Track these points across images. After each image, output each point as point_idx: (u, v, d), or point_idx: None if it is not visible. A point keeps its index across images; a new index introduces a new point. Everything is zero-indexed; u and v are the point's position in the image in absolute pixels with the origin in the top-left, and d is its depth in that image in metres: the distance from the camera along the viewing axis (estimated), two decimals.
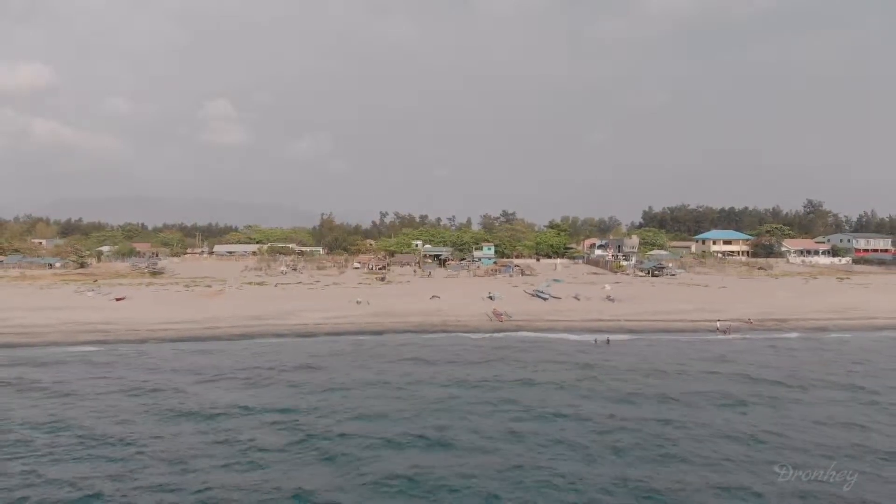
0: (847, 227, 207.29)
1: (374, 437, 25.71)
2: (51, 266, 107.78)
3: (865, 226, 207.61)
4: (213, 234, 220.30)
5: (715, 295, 70.14)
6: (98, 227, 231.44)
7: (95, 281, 75.08)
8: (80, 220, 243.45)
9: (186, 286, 74.79)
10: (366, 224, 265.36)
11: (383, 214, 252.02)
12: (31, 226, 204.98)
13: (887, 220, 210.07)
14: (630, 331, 49.77)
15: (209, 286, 75.15)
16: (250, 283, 78.03)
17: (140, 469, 22.59)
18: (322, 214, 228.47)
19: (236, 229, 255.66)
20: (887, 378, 36.00)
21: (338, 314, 54.74)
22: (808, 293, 72.65)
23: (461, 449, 24.61)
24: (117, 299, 61.44)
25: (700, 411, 29.49)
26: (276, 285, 76.64)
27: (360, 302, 60.21)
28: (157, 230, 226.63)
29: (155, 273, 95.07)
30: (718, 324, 51.18)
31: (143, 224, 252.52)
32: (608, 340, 45.25)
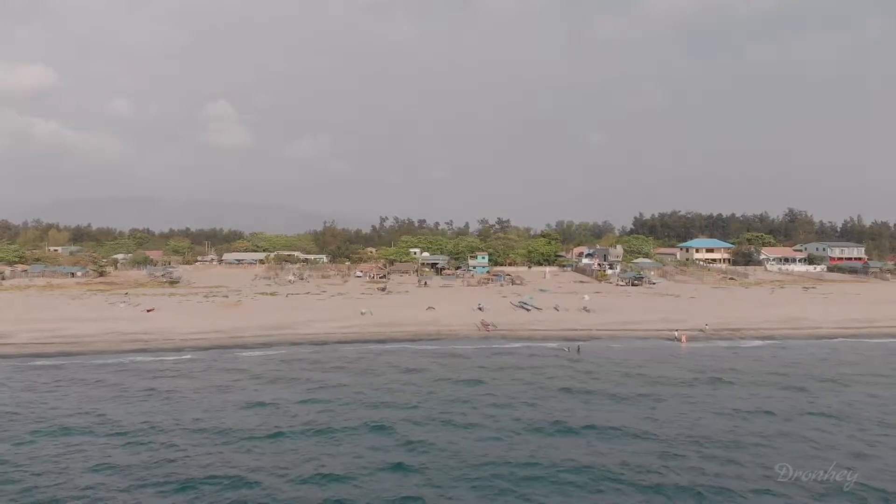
0: (833, 233, 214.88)
1: (404, 401, 38.05)
2: (73, 275, 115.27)
3: (850, 231, 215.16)
4: (218, 240, 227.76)
5: (683, 305, 77.78)
6: (106, 232, 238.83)
7: (126, 294, 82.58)
8: (88, 225, 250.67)
9: (206, 296, 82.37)
10: (366, 227, 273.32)
11: (383, 219, 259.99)
12: (44, 232, 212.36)
13: (869, 226, 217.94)
14: (597, 338, 57.45)
15: (226, 297, 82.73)
16: (263, 294, 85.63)
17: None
18: (325, 222, 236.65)
19: (241, 234, 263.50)
20: (801, 375, 43.86)
21: (345, 324, 62.27)
22: (770, 304, 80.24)
23: (459, 414, 35.27)
24: (148, 310, 68.94)
25: (621, 391, 39.30)
26: (287, 295, 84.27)
27: (364, 313, 67.73)
28: (163, 236, 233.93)
29: (172, 282, 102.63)
30: (676, 333, 58.81)
31: (148, 229, 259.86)
32: (578, 348, 52.80)
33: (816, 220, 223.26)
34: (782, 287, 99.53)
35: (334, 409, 35.76)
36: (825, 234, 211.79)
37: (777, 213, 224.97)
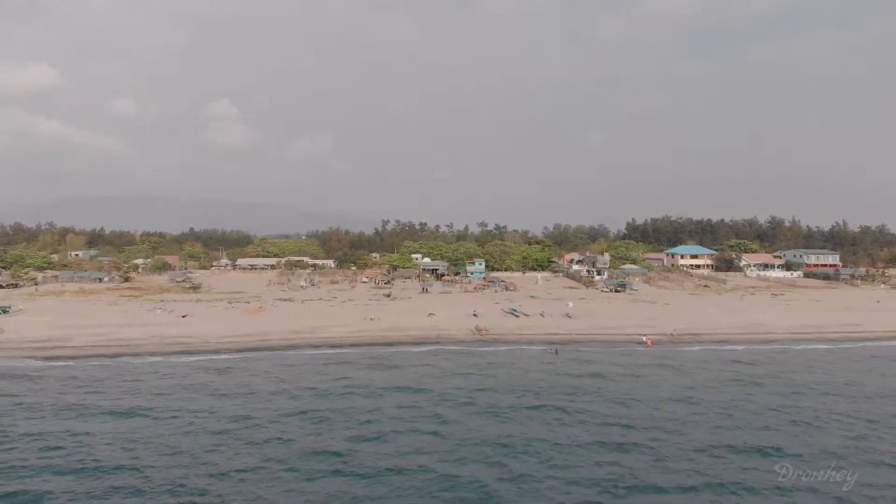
0: (819, 238, 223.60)
1: (422, 384, 49.42)
2: (100, 280, 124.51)
3: (837, 236, 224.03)
4: (228, 243, 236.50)
5: (657, 311, 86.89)
6: (120, 235, 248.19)
7: (162, 301, 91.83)
8: (101, 229, 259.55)
9: (230, 302, 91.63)
10: (366, 227, 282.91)
11: (385, 222, 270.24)
12: (61, 236, 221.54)
13: (855, 231, 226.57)
14: (575, 341, 66.72)
15: (248, 302, 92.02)
16: (281, 300, 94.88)
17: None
18: (330, 227, 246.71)
19: (247, 235, 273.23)
20: (731, 372, 53.51)
21: (356, 329, 71.45)
22: (736, 310, 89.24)
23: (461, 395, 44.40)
24: (182, 316, 78.15)
25: (583, 380, 48.26)
26: (302, 302, 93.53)
27: (372, 319, 76.92)
28: (175, 239, 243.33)
29: (195, 288, 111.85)
30: (644, 338, 67.95)
31: (161, 232, 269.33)
32: (556, 350, 62.17)
33: (805, 224, 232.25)
34: (752, 294, 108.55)
35: (373, 388, 47.96)
36: (812, 238, 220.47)
37: (770, 215, 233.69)
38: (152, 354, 60.18)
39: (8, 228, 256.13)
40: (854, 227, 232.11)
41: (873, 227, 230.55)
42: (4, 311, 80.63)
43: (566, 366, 55.81)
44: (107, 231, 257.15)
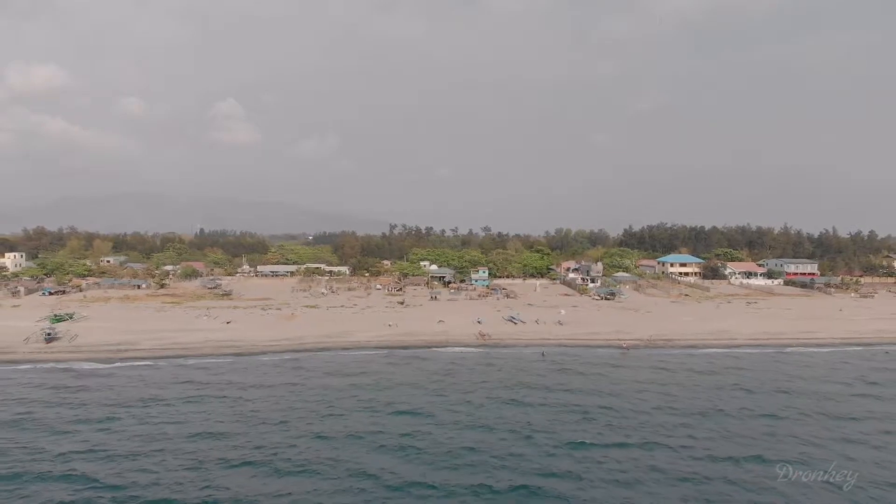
0: (808, 244, 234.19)
1: (439, 378, 61.40)
2: (139, 287, 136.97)
3: (825, 243, 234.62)
4: (244, 248, 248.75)
5: (639, 319, 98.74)
6: (141, 239, 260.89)
7: (207, 308, 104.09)
8: (123, 234, 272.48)
9: (263, 309, 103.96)
10: (374, 229, 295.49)
11: (392, 226, 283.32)
12: (88, 241, 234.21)
13: (843, 238, 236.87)
14: (563, 346, 78.78)
15: (279, 309, 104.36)
16: (308, 307, 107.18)
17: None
18: (338, 228, 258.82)
19: (263, 240, 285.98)
20: (696, 367, 65.47)
21: (378, 333, 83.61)
22: (709, 318, 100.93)
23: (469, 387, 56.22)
24: (227, 322, 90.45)
25: (559, 376, 60.27)
26: (327, 308, 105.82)
27: (390, 325, 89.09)
28: (193, 244, 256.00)
29: (226, 294, 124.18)
30: (624, 344, 79.80)
31: (175, 234, 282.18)
32: (543, 353, 74.43)
33: (797, 229, 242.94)
34: (729, 302, 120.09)
35: (405, 377, 63.24)
36: (801, 245, 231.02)
37: (757, 225, 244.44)
38: (211, 356, 72.39)
39: (31, 232, 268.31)
40: (844, 233, 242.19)
41: (864, 234, 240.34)
42: (70, 318, 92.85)
43: (554, 362, 69.33)
44: (114, 230, 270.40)
